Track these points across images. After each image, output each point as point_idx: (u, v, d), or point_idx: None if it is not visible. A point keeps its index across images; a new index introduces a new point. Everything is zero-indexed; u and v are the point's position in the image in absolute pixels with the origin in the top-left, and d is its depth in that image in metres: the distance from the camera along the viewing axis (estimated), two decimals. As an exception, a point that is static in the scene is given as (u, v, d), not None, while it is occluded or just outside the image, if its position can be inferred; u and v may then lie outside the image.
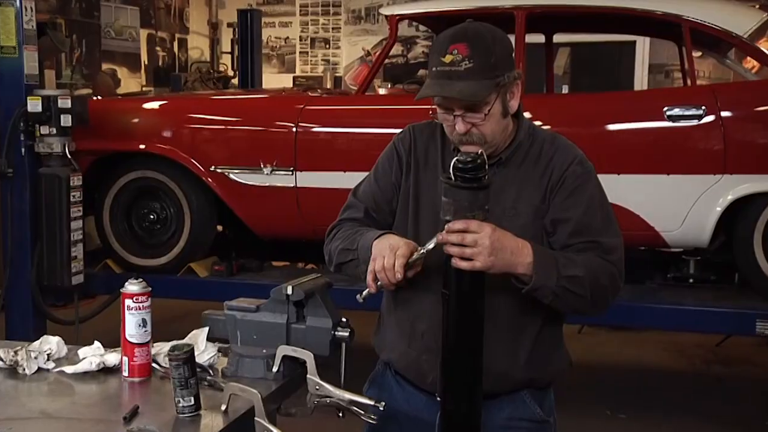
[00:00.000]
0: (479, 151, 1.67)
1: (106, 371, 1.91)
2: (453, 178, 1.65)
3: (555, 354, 1.97)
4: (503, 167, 1.89)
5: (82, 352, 1.97)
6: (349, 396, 1.75)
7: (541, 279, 1.75)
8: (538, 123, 4.01)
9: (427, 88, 1.82)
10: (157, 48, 9.08)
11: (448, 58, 1.77)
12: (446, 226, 1.68)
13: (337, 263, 1.97)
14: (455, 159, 1.65)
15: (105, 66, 8.18)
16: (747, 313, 3.90)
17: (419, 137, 1.99)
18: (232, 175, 4.38)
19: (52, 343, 2.00)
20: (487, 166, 1.65)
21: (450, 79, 1.77)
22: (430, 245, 1.74)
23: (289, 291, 1.88)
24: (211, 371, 1.87)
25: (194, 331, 1.99)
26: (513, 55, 1.87)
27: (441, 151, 1.95)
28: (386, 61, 4.58)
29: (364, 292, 1.82)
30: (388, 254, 1.77)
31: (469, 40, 1.78)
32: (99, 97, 5.73)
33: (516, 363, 1.89)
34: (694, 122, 3.87)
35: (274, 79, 9.17)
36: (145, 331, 1.86)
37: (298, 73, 9.71)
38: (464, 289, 1.71)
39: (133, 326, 1.85)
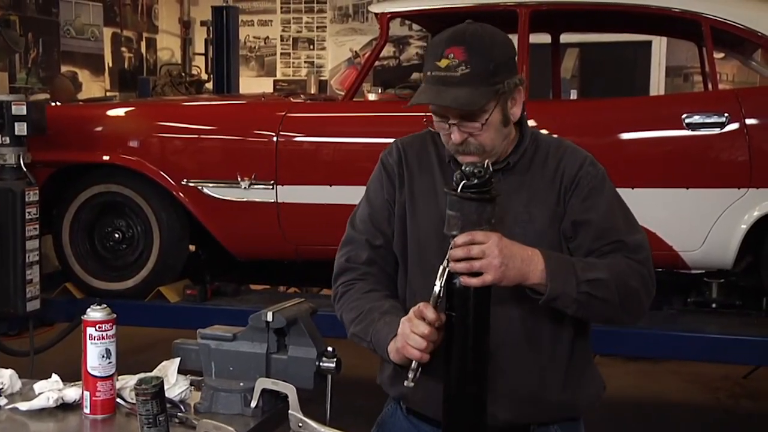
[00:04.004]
0: (486, 162, 1.70)
1: (65, 408, 1.90)
2: (458, 189, 1.68)
3: (588, 374, 2.01)
4: (509, 173, 1.94)
5: (39, 386, 1.96)
6: (335, 434, 1.75)
7: (559, 286, 1.78)
8: (543, 131, 4.07)
9: (421, 95, 1.85)
10: (123, 48, 9.09)
11: (443, 63, 1.80)
12: (452, 242, 1.71)
13: (351, 339, 1.98)
14: (461, 169, 1.68)
15: (64, 68, 8.18)
16: (776, 341, 3.91)
17: (409, 150, 2.03)
18: (206, 190, 4.38)
19: (4, 376, 1.99)
20: (492, 178, 1.69)
21: (445, 85, 1.80)
22: (439, 281, 1.73)
23: (269, 318, 1.89)
24: (182, 407, 1.87)
25: (164, 363, 1.99)
26: (516, 58, 1.91)
27: (437, 157, 1.99)
28: (376, 63, 4.60)
29: (411, 375, 1.76)
30: (418, 326, 1.75)
31: (467, 43, 1.81)
32: (58, 103, 5.73)
33: (549, 385, 1.92)
34: (716, 131, 3.89)
35: (252, 84, 9.19)
36: (109, 362, 1.86)
37: (279, 76, 9.74)
38: (473, 309, 1.73)
39: (95, 357, 1.85)
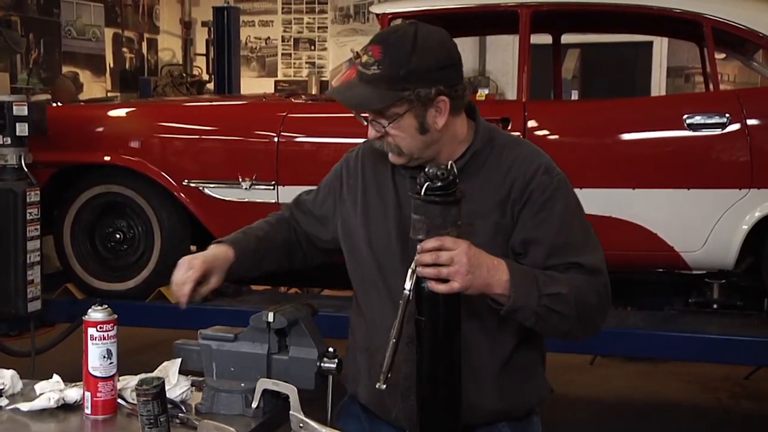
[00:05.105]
0: (449, 163, 1.68)
1: (67, 408, 1.90)
2: (423, 192, 1.66)
3: (530, 382, 2.00)
4: None
5: (40, 387, 1.96)
6: (336, 434, 1.75)
7: (521, 298, 1.76)
8: (544, 132, 4.07)
9: (337, 85, 1.89)
10: (124, 49, 9.09)
11: (364, 58, 1.84)
12: (419, 246, 1.69)
13: None
14: (424, 171, 1.67)
15: (66, 69, 8.19)
16: (777, 342, 3.91)
17: (369, 156, 2.04)
18: (207, 190, 4.38)
19: (5, 377, 1.99)
20: (457, 179, 1.67)
21: (359, 81, 1.84)
22: (408, 283, 1.71)
23: (270, 318, 1.89)
24: (183, 407, 1.87)
25: (165, 363, 1.99)
26: (452, 69, 1.86)
27: (391, 171, 1.98)
28: (377, 63, 4.62)
29: (382, 378, 1.71)
30: (184, 269, 1.97)
31: (387, 44, 1.82)
32: (59, 104, 5.73)
33: (486, 392, 1.91)
34: (717, 131, 3.89)
35: (253, 84, 9.20)
36: (110, 363, 1.86)
37: (280, 77, 9.75)
38: (442, 315, 1.71)
39: (96, 358, 1.85)
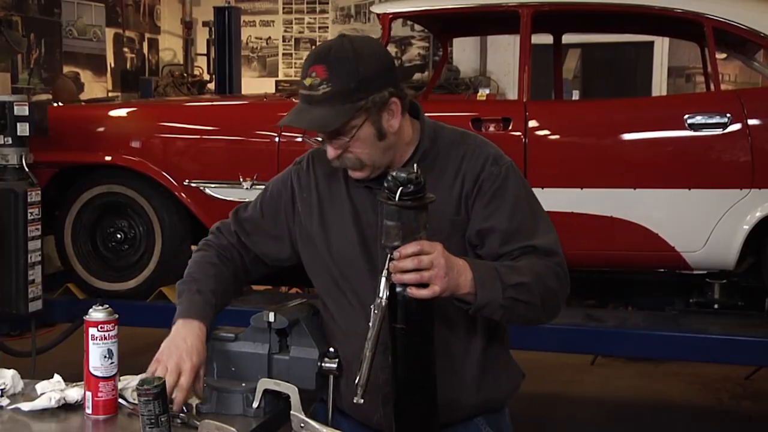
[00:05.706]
0: (415, 167, 1.66)
1: (67, 408, 1.91)
2: (397, 198, 1.63)
3: (504, 372, 2.01)
4: None
5: (41, 387, 1.97)
6: (337, 435, 1.75)
7: (487, 294, 1.76)
8: (545, 132, 4.08)
9: (287, 115, 1.90)
10: (125, 49, 9.10)
11: (308, 81, 1.82)
12: (396, 252, 1.66)
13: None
14: (393, 175, 1.65)
15: (66, 69, 8.20)
16: (778, 342, 3.91)
17: (319, 166, 2.01)
18: (208, 190, 4.38)
19: (6, 377, 2.00)
20: (426, 183, 1.66)
21: (309, 104, 1.83)
22: (383, 291, 1.68)
23: (271, 318, 1.89)
24: (184, 407, 1.87)
25: (166, 363, 1.99)
26: (391, 71, 1.86)
27: (344, 180, 1.96)
28: (378, 63, 4.61)
29: (360, 392, 1.66)
30: (174, 375, 1.81)
31: (328, 61, 1.81)
32: (60, 104, 5.73)
33: (465, 388, 1.92)
34: (718, 131, 3.89)
35: (254, 84, 9.19)
36: (111, 363, 1.86)
37: (281, 77, 9.74)
38: (421, 320, 1.70)
39: (97, 358, 1.85)
